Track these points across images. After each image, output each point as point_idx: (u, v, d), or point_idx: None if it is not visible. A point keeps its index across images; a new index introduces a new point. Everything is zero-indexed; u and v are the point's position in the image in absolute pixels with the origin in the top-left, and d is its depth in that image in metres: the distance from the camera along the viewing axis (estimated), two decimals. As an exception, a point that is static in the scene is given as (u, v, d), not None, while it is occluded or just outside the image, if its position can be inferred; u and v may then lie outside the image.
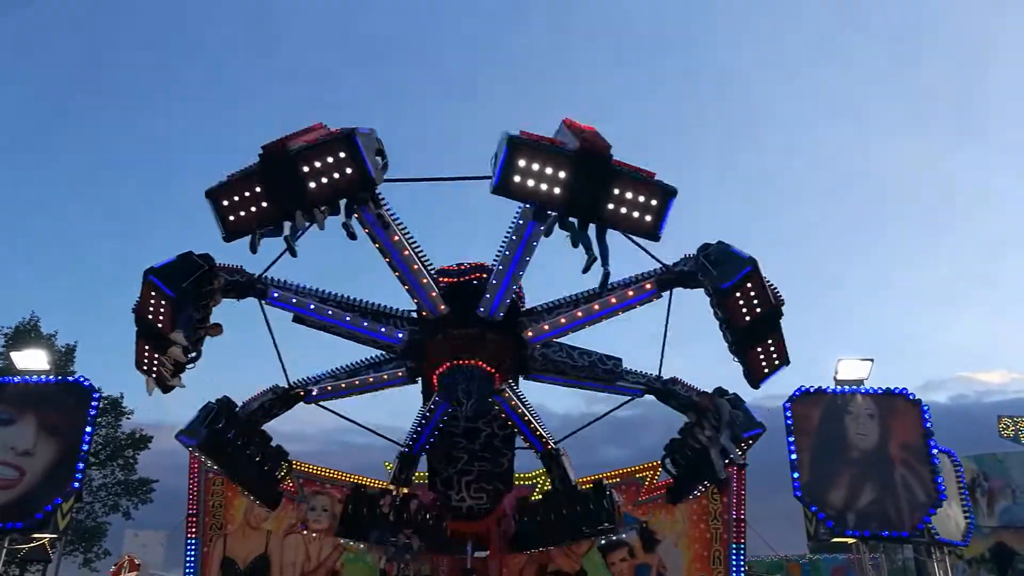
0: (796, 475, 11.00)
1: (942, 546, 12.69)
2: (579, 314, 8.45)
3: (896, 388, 11.66)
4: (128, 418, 30.53)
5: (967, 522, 13.08)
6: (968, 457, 18.70)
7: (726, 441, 8.06)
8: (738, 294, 7.17)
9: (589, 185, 5.96)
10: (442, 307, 8.22)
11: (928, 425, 11.38)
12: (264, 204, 6.30)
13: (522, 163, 5.87)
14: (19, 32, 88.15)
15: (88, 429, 10.46)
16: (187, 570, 12.72)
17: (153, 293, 7.04)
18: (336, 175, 6.14)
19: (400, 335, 8.60)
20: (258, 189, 6.23)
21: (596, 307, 8.38)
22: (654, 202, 5.98)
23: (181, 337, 7.19)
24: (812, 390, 11.64)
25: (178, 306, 7.15)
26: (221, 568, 12.75)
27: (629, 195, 5.97)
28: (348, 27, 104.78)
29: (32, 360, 11.14)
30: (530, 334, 8.55)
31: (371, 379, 9.41)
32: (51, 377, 11.03)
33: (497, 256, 7.68)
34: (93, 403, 10.61)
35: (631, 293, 8.10)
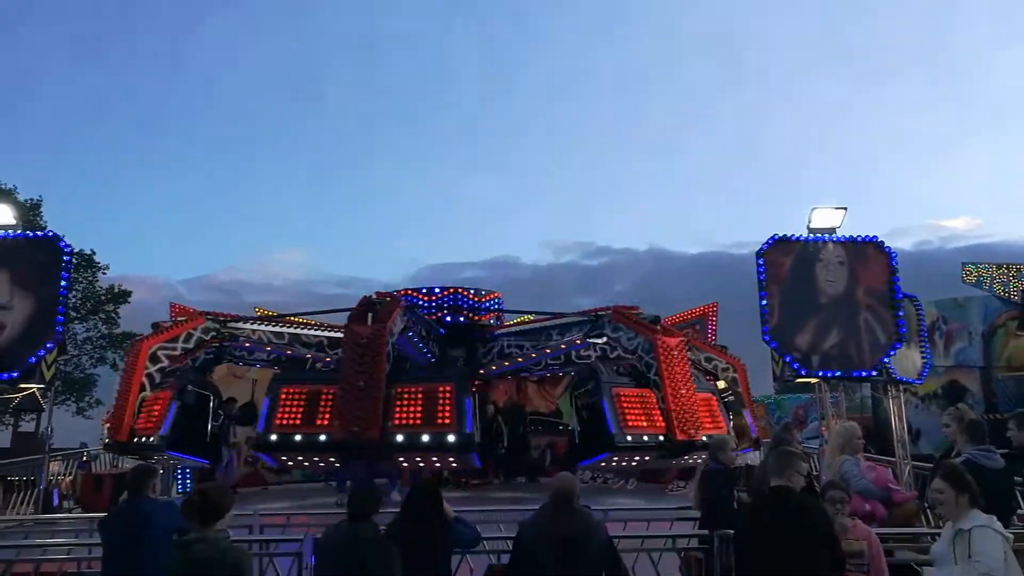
0: (766, 321, 11.32)
1: (898, 384, 13.35)
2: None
3: (867, 236, 11.79)
4: (104, 273, 30.57)
5: (923, 362, 13.69)
6: (930, 302, 19.34)
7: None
8: None
9: None
10: None
11: (895, 271, 11.62)
12: None
13: None
14: None
15: (63, 283, 10.40)
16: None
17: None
18: None
19: None
20: None
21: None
22: None
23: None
24: (784, 238, 11.73)
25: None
26: (210, 414, 13.23)
27: None
28: None
29: (-3, 215, 10.86)
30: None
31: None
32: (19, 232, 10.81)
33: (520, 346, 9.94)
34: (65, 257, 10.49)
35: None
